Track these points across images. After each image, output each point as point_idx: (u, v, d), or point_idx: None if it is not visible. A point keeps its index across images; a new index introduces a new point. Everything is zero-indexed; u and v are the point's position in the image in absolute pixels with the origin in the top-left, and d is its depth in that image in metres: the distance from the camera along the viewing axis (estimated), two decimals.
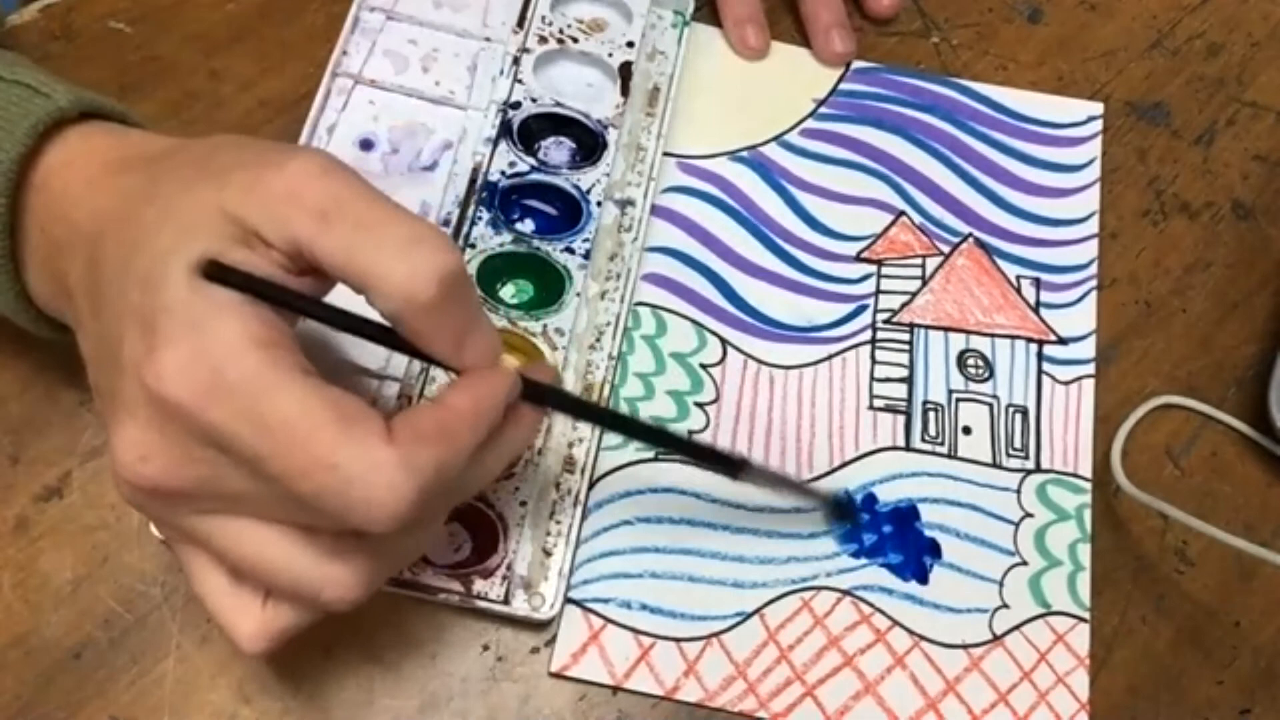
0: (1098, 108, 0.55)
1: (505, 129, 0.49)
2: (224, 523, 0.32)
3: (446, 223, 0.48)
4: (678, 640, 0.43)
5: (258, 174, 0.31)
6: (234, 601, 0.33)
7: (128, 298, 0.30)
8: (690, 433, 0.47)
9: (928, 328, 0.50)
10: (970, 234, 0.52)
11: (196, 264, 0.30)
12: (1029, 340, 0.50)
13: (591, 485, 0.45)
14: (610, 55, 0.51)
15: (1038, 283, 0.51)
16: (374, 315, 0.32)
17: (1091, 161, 0.54)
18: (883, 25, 0.57)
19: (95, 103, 0.37)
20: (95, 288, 0.32)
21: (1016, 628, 0.45)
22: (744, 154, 0.53)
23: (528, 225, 0.49)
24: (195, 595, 0.34)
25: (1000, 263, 0.52)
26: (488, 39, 0.52)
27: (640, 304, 0.49)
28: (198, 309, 0.29)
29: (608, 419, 0.43)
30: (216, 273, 0.30)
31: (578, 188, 0.49)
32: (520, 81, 0.50)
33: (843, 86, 0.55)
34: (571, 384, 0.46)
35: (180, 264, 0.30)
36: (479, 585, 0.42)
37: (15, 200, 0.35)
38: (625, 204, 0.50)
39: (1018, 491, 0.47)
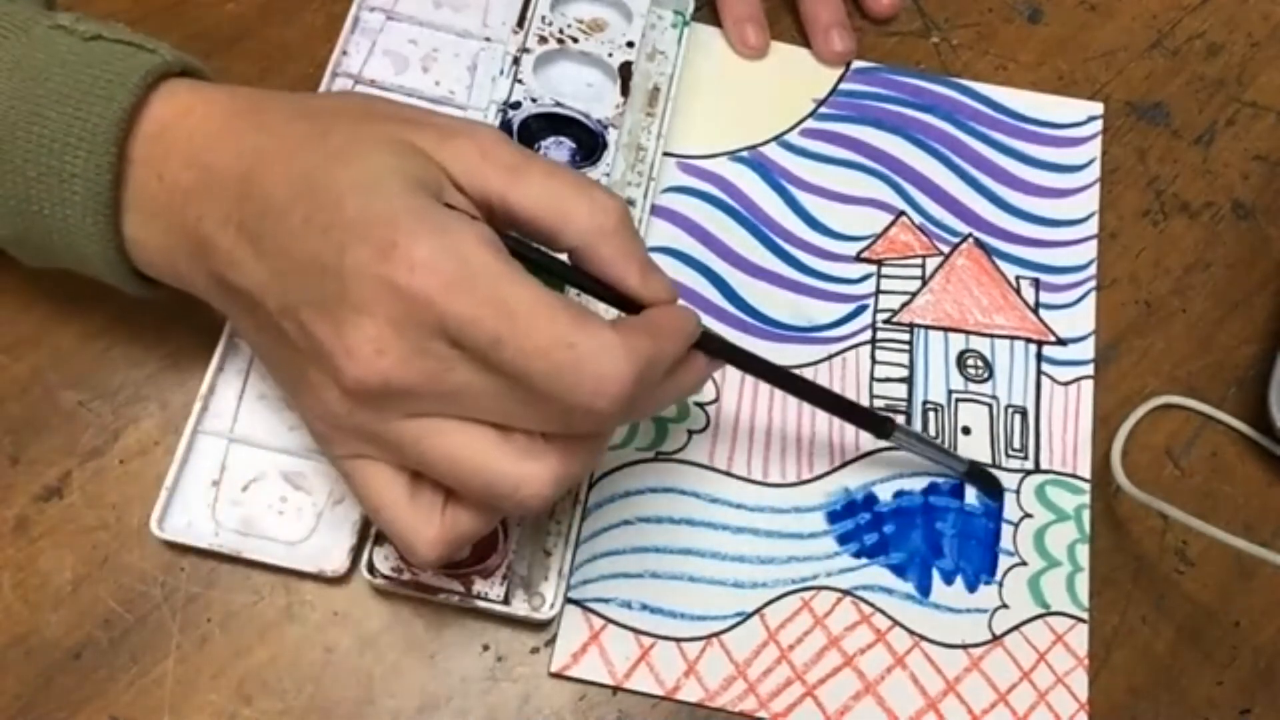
0: (1098, 107, 0.55)
1: (505, 129, 0.49)
2: (429, 424, 0.34)
3: None
4: (678, 640, 0.43)
5: (447, 131, 0.35)
6: (414, 512, 0.35)
7: (339, 211, 0.32)
8: (690, 433, 0.47)
9: (927, 328, 0.50)
10: (970, 234, 0.52)
11: (418, 180, 0.33)
12: (1028, 341, 0.50)
13: (591, 485, 0.45)
14: (610, 55, 0.51)
15: (1037, 283, 0.51)
16: None
17: (1091, 162, 0.54)
18: (883, 25, 0.57)
19: (193, 62, 0.38)
20: (255, 219, 0.34)
21: (1016, 628, 0.45)
22: (744, 154, 0.53)
23: None
24: (369, 510, 0.36)
25: (1000, 263, 0.52)
26: (488, 39, 0.52)
27: None
28: (436, 213, 0.32)
29: (779, 376, 0.42)
30: (517, 247, 0.34)
31: None
32: (520, 81, 0.50)
33: (843, 86, 0.55)
34: None
35: (407, 177, 0.33)
36: (479, 585, 0.42)
37: (124, 150, 0.36)
38: (625, 204, 0.50)
39: (1017, 492, 0.47)
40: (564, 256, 0.37)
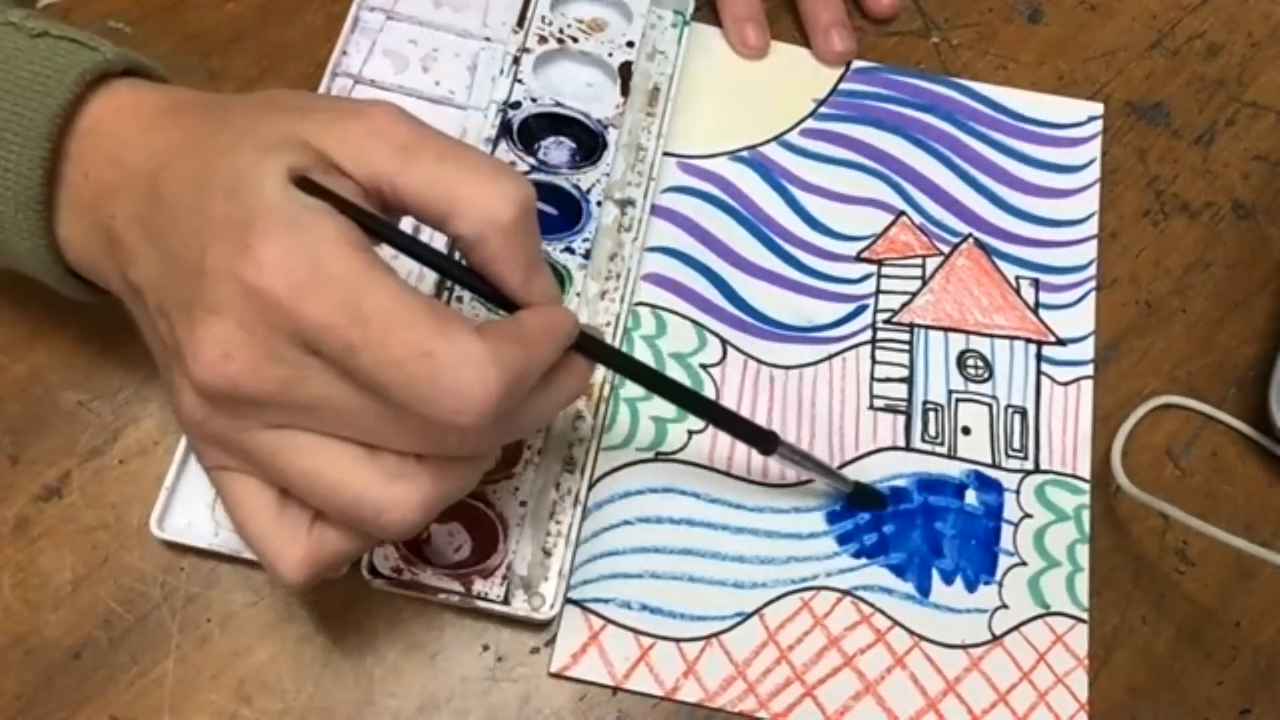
0: (1098, 107, 0.55)
1: (505, 129, 0.49)
2: (290, 437, 0.32)
3: None
4: (677, 640, 0.43)
5: (339, 113, 0.33)
6: (279, 528, 0.34)
7: (209, 210, 0.31)
8: (690, 433, 0.47)
9: (928, 328, 0.50)
10: (970, 234, 0.52)
11: (288, 174, 0.31)
12: (1028, 341, 0.50)
13: (591, 485, 0.45)
14: (610, 55, 0.51)
15: (1037, 283, 0.51)
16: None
17: (1091, 162, 0.54)
18: (883, 25, 0.57)
19: (139, 60, 0.37)
20: (153, 216, 0.33)
21: (1016, 628, 0.45)
22: (744, 154, 0.53)
23: None
24: (236, 525, 0.34)
25: (1000, 263, 0.52)
26: (488, 39, 0.52)
27: (640, 304, 0.49)
28: (294, 211, 0.31)
29: (655, 380, 0.40)
30: (307, 187, 0.31)
31: (578, 188, 0.49)
32: (520, 81, 0.50)
33: (843, 86, 0.55)
34: None
35: (271, 173, 0.31)
36: (479, 585, 0.42)
37: (58, 147, 0.35)
38: (625, 204, 0.50)
39: (1017, 492, 0.47)
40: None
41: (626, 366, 0.40)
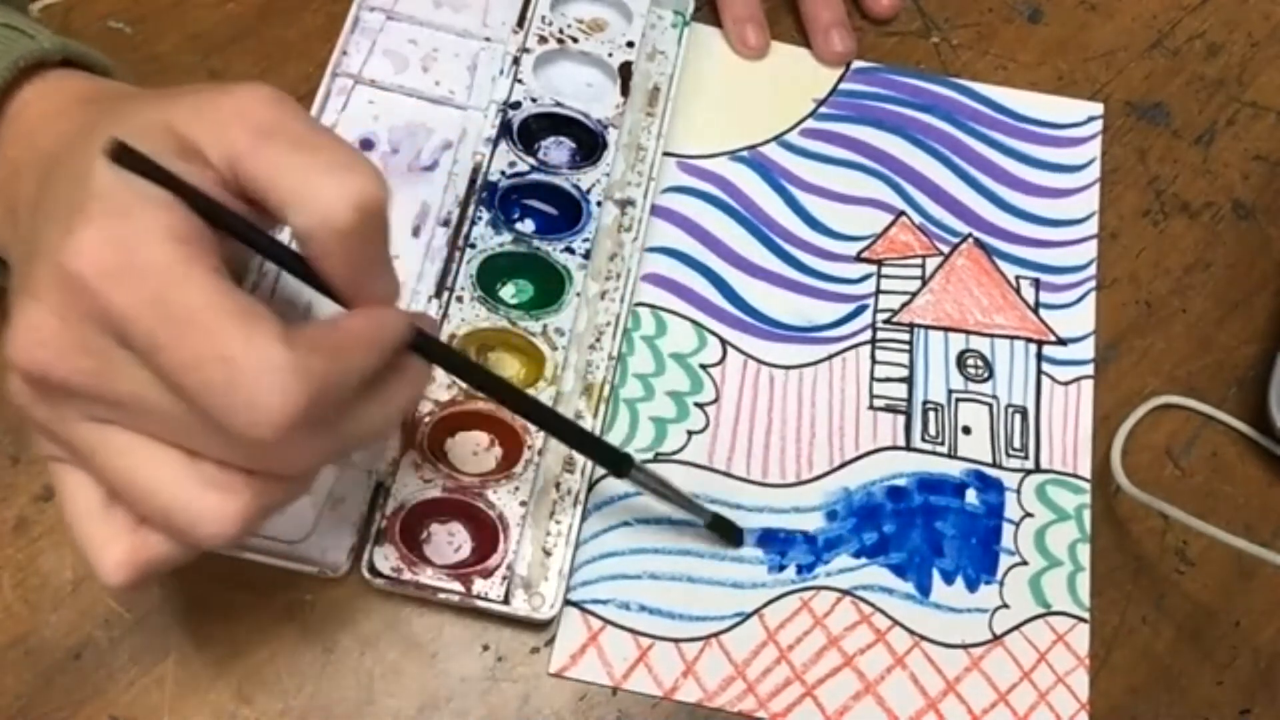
0: (1098, 107, 0.55)
1: (505, 129, 0.49)
2: (109, 433, 0.31)
3: (446, 222, 0.48)
4: (677, 640, 0.43)
5: (209, 98, 0.32)
6: (103, 526, 0.32)
7: (58, 194, 0.31)
8: (690, 433, 0.47)
9: (928, 328, 0.50)
10: (970, 234, 0.52)
11: (123, 173, 0.30)
12: (1028, 340, 0.50)
13: (591, 485, 0.45)
14: (610, 55, 0.51)
15: (1037, 283, 0.51)
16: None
17: (1091, 162, 0.54)
18: (883, 25, 0.57)
19: (79, 50, 0.37)
20: (39, 196, 0.33)
21: (1016, 628, 0.45)
22: (744, 154, 0.53)
23: (528, 225, 0.49)
24: (65, 519, 0.33)
25: (1000, 263, 0.52)
26: (488, 39, 0.52)
27: (640, 304, 0.49)
28: (122, 197, 0.30)
29: (491, 384, 0.38)
30: (124, 155, 0.30)
31: (578, 188, 0.49)
32: (520, 81, 0.50)
33: (843, 86, 0.55)
34: (571, 384, 0.46)
35: (117, 165, 0.30)
36: (479, 585, 0.42)
37: None
38: (625, 204, 0.50)
39: (1017, 491, 0.47)
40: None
41: (464, 369, 0.38)
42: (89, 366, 0.30)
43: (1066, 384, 0.49)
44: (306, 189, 0.31)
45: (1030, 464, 0.48)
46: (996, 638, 0.45)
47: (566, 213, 0.49)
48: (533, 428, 0.44)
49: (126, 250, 0.29)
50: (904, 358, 0.49)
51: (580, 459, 0.45)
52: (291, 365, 0.29)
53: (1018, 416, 0.49)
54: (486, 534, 0.43)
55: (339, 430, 0.32)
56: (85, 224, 0.29)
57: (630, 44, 0.52)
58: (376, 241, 0.32)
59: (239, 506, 0.31)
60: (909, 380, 0.49)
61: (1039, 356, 0.50)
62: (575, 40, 0.51)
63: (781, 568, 0.45)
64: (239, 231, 0.31)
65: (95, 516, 0.33)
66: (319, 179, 0.31)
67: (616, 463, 0.40)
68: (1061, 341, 0.50)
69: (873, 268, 0.51)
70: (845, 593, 0.45)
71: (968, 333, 0.50)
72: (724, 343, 0.49)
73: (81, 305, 0.29)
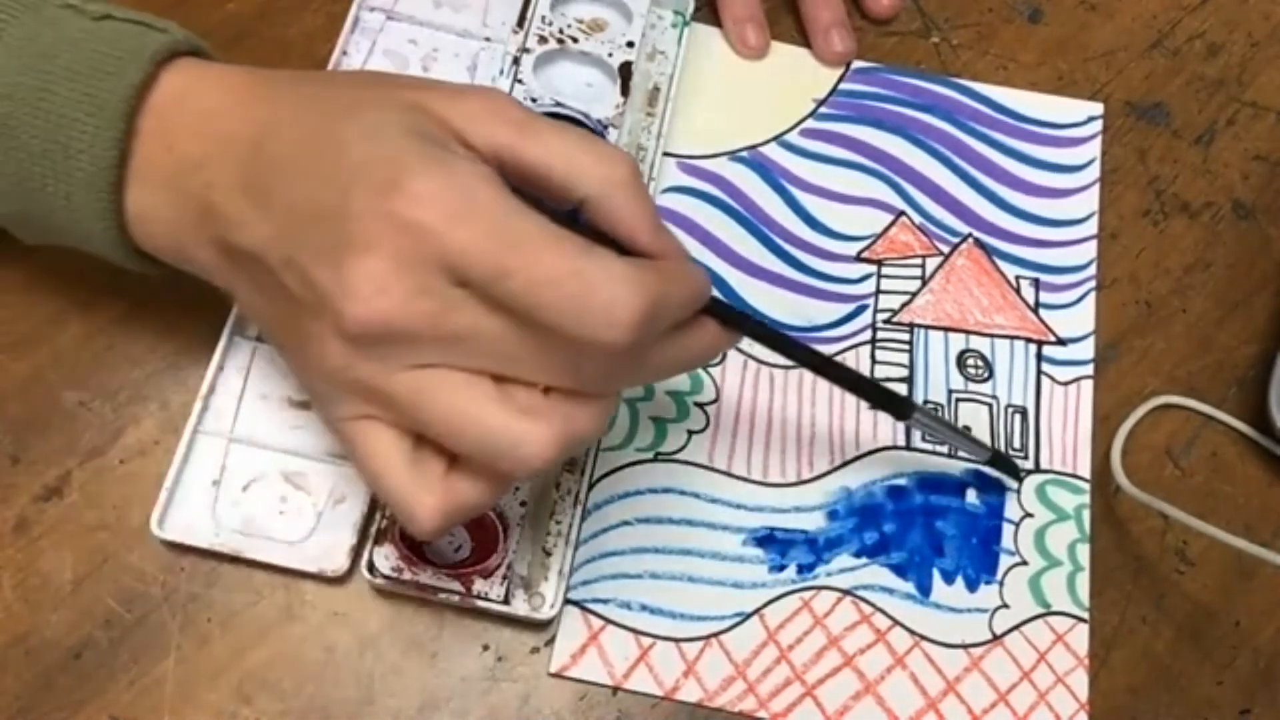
0: (1097, 108, 0.55)
1: None
2: (431, 374, 0.33)
3: None
4: (677, 640, 0.43)
5: (456, 90, 0.35)
6: (414, 476, 0.34)
7: (344, 158, 0.33)
8: (690, 433, 0.47)
9: (927, 328, 0.50)
10: (970, 234, 0.52)
11: (423, 132, 0.33)
12: (1028, 341, 0.50)
13: (591, 485, 0.45)
14: (610, 55, 0.51)
15: (1037, 283, 0.51)
16: None
17: (1091, 162, 0.54)
18: (883, 25, 0.57)
19: (200, 43, 0.39)
20: (260, 179, 0.34)
21: (1016, 628, 0.45)
22: (744, 154, 0.53)
23: None
24: (369, 478, 0.35)
25: (1000, 263, 0.52)
26: (488, 39, 0.52)
27: None
28: (439, 153, 0.33)
29: (794, 349, 0.40)
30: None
31: None
32: (520, 81, 0.50)
33: (843, 86, 0.55)
34: None
35: (406, 124, 0.33)
36: (479, 585, 0.42)
37: (132, 126, 0.36)
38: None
39: (1017, 491, 0.47)
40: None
41: (757, 332, 0.39)
42: (429, 309, 0.32)
43: (1066, 384, 0.49)
44: (585, 161, 0.35)
45: (1030, 464, 0.48)
46: (996, 638, 0.45)
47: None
48: None
49: (465, 193, 0.32)
50: (904, 358, 0.49)
51: (580, 458, 0.45)
52: (635, 276, 0.32)
53: (1017, 417, 0.49)
54: (486, 534, 0.43)
55: (644, 361, 0.35)
56: (416, 175, 0.32)
57: (630, 44, 0.52)
58: (650, 198, 0.36)
59: (554, 431, 0.33)
60: (909, 380, 0.49)
61: (1039, 356, 0.50)
62: (575, 40, 0.51)
63: (782, 567, 0.45)
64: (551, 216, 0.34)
65: (404, 469, 0.34)
66: (589, 151, 0.35)
67: (899, 406, 0.42)
68: (1061, 341, 0.50)
69: (873, 268, 0.51)
70: (845, 592, 0.45)
71: (968, 333, 0.50)
72: None
73: (421, 248, 0.31)
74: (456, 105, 0.34)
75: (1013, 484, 0.47)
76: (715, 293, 0.37)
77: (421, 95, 0.34)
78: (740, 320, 0.38)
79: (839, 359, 0.49)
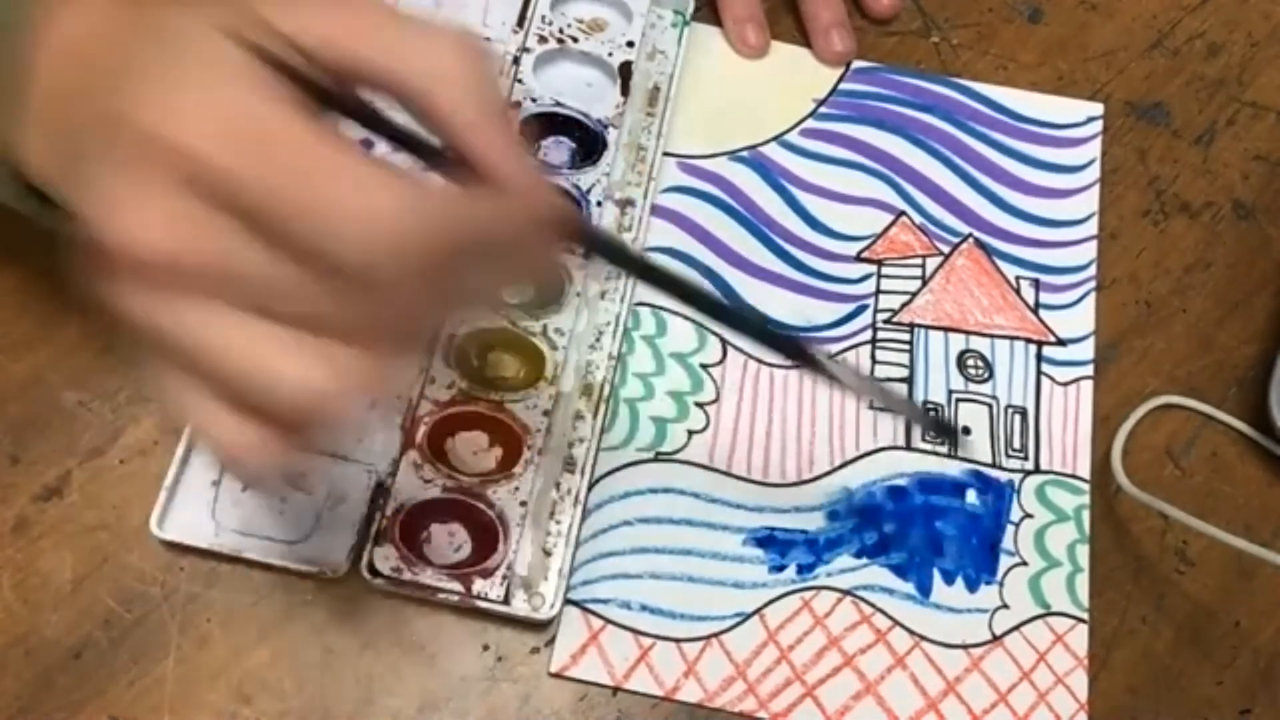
0: (1097, 108, 0.55)
1: None
2: (201, 313, 0.30)
3: None
4: (677, 640, 0.43)
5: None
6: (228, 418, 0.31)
7: (145, 66, 0.30)
8: (690, 433, 0.47)
9: (928, 328, 0.50)
10: (970, 234, 0.52)
11: (231, 33, 0.29)
12: (1028, 341, 0.50)
13: (591, 485, 0.45)
14: (610, 55, 0.51)
15: (1037, 284, 0.51)
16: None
17: (1091, 162, 0.54)
18: (883, 25, 0.57)
19: None
20: (108, 95, 0.31)
21: (1016, 628, 0.45)
22: (744, 154, 0.53)
23: None
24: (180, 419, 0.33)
25: (1000, 263, 0.52)
26: (488, 39, 0.52)
27: (640, 304, 0.49)
28: (224, 66, 0.29)
29: (653, 275, 0.37)
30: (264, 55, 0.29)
31: (578, 188, 0.49)
32: (520, 81, 0.50)
33: (843, 86, 0.55)
34: (571, 384, 0.46)
35: (207, 31, 0.29)
36: (479, 585, 0.42)
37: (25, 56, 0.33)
38: (625, 204, 0.50)
39: (1017, 492, 0.47)
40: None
41: (624, 259, 0.37)
42: (193, 236, 0.29)
43: (1066, 384, 0.49)
44: (411, 48, 0.30)
45: (1030, 464, 0.48)
46: (996, 638, 0.45)
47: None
48: (533, 428, 0.44)
49: (236, 113, 0.28)
50: (904, 358, 0.49)
51: (580, 458, 0.45)
52: (408, 190, 0.28)
53: (1017, 417, 0.49)
54: (486, 534, 0.43)
55: (449, 293, 0.32)
56: (183, 93, 0.28)
57: (630, 44, 0.52)
58: (496, 99, 0.31)
59: (318, 373, 0.30)
60: (909, 380, 0.49)
61: (1039, 357, 0.50)
62: (575, 40, 0.51)
63: (782, 568, 0.45)
64: (372, 124, 0.31)
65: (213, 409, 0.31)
66: (420, 39, 0.30)
67: (795, 348, 0.38)
68: (1061, 342, 0.50)
69: (873, 268, 0.51)
70: (846, 593, 0.45)
71: (968, 333, 0.50)
72: (724, 342, 0.49)
73: (190, 175, 0.28)
74: (296, 4, 0.30)
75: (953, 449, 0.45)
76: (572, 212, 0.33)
77: (260, 3, 0.30)
78: (604, 246, 0.35)
79: (844, 353, 0.49)
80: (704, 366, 0.48)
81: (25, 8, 0.34)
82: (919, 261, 0.51)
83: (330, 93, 0.30)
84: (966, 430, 0.48)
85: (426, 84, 0.30)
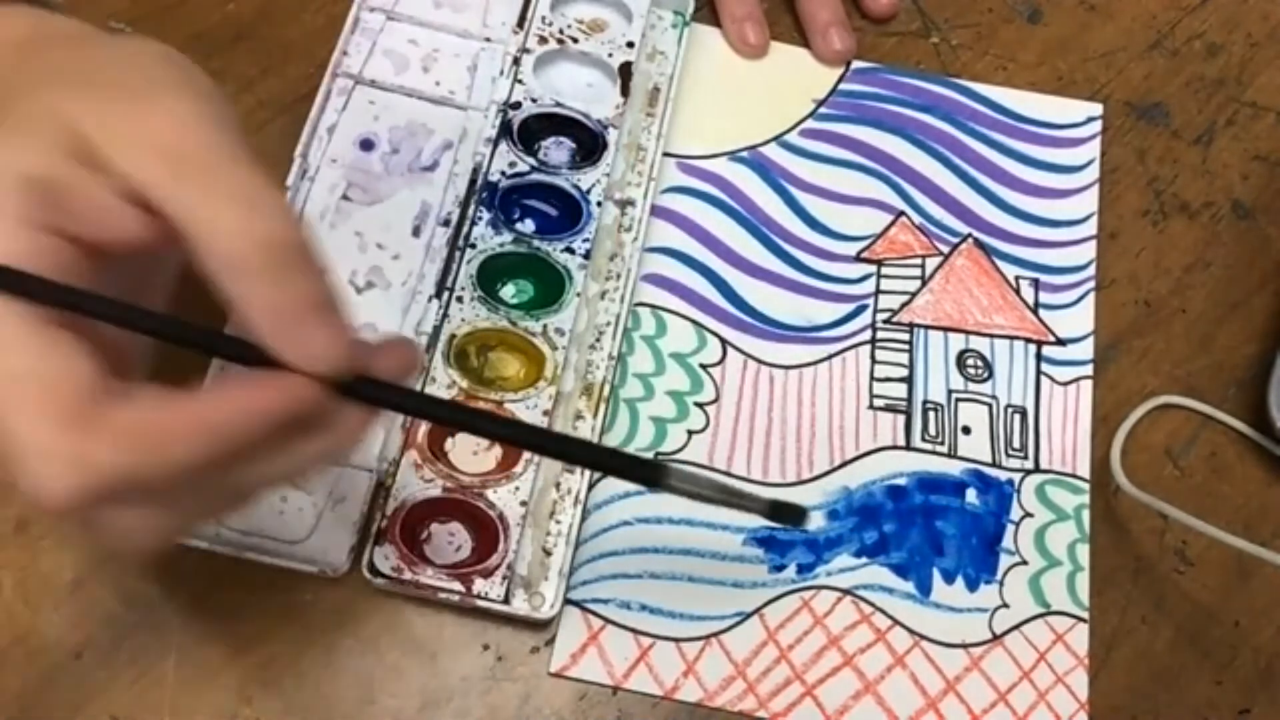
0: (1097, 108, 0.55)
1: (505, 129, 0.49)
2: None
3: (446, 223, 0.48)
4: (677, 640, 0.43)
5: (123, 101, 0.29)
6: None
7: None
8: (690, 433, 0.47)
9: (927, 328, 0.50)
10: (970, 234, 0.52)
11: (17, 178, 0.28)
12: (1028, 341, 0.50)
13: (591, 485, 0.45)
14: (610, 55, 0.51)
15: (1036, 283, 0.51)
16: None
17: (1090, 162, 0.54)
18: (882, 25, 0.57)
19: None
20: None
21: (1016, 627, 0.45)
22: (744, 154, 0.53)
23: (528, 225, 0.49)
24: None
25: (999, 263, 0.52)
26: (488, 39, 0.52)
27: (640, 304, 0.49)
28: None
29: (468, 421, 0.35)
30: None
31: (578, 188, 0.49)
32: (520, 82, 0.50)
33: (842, 87, 0.55)
34: (571, 384, 0.46)
35: (17, 170, 0.28)
36: (479, 585, 0.42)
37: None
38: (625, 204, 0.50)
39: (1017, 491, 0.47)
40: None
41: (428, 410, 0.35)
42: None
43: (1066, 384, 0.49)
44: (216, 221, 0.28)
45: (1030, 464, 0.48)
46: (996, 637, 0.45)
47: (566, 213, 0.49)
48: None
49: None
50: (904, 358, 0.49)
51: None
52: (68, 455, 0.27)
53: (1017, 417, 0.49)
54: (486, 534, 0.43)
55: (196, 493, 0.30)
56: None
57: (630, 44, 0.52)
58: (299, 283, 0.29)
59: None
60: (909, 380, 0.49)
61: (1038, 357, 0.50)
62: (575, 40, 0.51)
63: (781, 567, 0.45)
64: (105, 313, 0.29)
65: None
66: (228, 209, 0.28)
67: (648, 474, 0.34)
68: (1061, 342, 0.50)
69: (872, 268, 0.51)
70: (845, 592, 0.45)
71: (967, 333, 0.50)
72: (724, 342, 0.49)
73: None
74: (109, 124, 0.29)
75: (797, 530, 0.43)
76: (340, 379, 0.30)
77: (85, 105, 0.29)
78: (390, 393, 0.31)
79: (836, 358, 0.49)
80: (704, 367, 0.48)
81: None
82: (919, 261, 0.51)
83: (72, 304, 0.28)
84: (966, 430, 0.48)
85: (223, 269, 0.28)
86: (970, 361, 0.49)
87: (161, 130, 0.29)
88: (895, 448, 0.48)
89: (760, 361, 0.49)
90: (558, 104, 0.50)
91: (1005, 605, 0.45)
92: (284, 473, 0.31)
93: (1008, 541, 0.46)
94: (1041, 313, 0.51)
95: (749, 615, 0.44)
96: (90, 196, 0.29)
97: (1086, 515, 0.47)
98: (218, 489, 0.31)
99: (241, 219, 0.28)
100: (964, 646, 0.44)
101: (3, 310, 0.27)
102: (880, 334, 0.50)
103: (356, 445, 0.32)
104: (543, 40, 0.51)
